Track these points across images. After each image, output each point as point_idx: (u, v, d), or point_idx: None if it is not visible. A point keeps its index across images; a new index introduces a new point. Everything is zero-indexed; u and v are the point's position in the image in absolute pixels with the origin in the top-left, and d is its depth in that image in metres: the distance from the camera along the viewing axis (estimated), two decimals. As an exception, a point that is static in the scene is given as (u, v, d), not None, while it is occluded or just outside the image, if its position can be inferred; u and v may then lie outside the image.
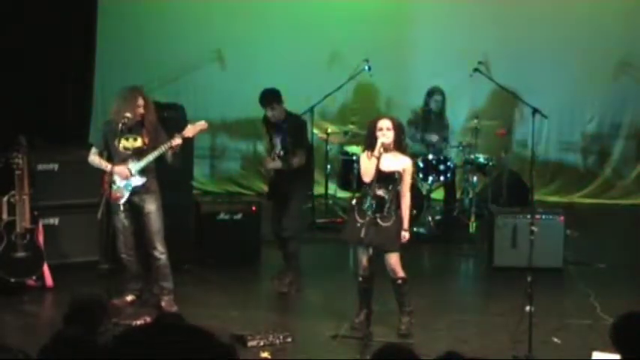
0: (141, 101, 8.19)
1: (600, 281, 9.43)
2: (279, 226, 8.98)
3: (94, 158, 8.35)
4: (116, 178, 8.19)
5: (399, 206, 7.77)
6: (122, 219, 8.32)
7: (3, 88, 10.51)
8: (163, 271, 8.33)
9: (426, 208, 10.92)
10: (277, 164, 8.88)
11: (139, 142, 8.23)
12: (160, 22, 12.61)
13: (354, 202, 8.00)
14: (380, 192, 7.67)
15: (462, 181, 11.77)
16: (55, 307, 8.35)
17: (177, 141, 8.14)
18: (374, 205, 7.61)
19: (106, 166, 8.25)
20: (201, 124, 8.34)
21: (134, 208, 8.29)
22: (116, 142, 8.19)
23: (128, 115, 8.11)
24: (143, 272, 8.54)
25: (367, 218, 7.57)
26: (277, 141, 8.94)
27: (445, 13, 12.65)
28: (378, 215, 7.66)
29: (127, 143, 8.24)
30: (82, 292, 5.75)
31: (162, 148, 8.15)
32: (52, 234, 9.23)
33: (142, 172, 8.22)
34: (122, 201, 8.24)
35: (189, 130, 8.26)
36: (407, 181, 7.81)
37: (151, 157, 8.18)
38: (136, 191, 8.24)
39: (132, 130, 8.22)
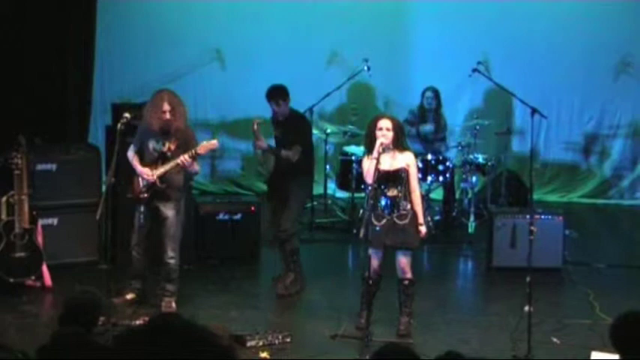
0: (166, 106, 8.16)
1: (599, 281, 9.43)
2: (277, 228, 8.96)
3: (130, 155, 8.40)
4: (142, 176, 8.29)
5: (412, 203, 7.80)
6: (140, 218, 8.41)
7: (3, 88, 10.51)
8: (170, 276, 8.36)
9: (425, 209, 10.89)
10: (264, 145, 8.92)
11: (165, 147, 8.24)
12: (159, 22, 12.60)
13: (366, 205, 7.92)
14: (392, 192, 7.70)
15: (461, 181, 11.76)
16: (54, 307, 8.35)
17: (185, 157, 8.13)
18: (389, 206, 7.64)
19: (136, 165, 8.32)
20: (213, 143, 8.35)
21: (153, 213, 8.35)
22: (148, 143, 8.27)
23: (127, 115, 8.14)
24: (146, 273, 8.56)
25: (384, 220, 7.59)
26: (278, 134, 8.99)
27: (444, 12, 12.64)
28: (395, 215, 7.69)
29: (156, 145, 8.28)
30: (77, 292, 5.75)
31: (175, 162, 8.16)
32: (50, 234, 9.22)
33: (162, 179, 8.24)
34: (143, 202, 8.34)
35: (202, 148, 8.25)
36: (414, 174, 7.80)
37: (167, 167, 8.20)
38: (157, 196, 8.28)
39: (163, 134, 8.23)
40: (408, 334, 7.83)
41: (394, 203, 7.71)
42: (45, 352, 4.53)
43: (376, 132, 7.72)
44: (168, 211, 8.30)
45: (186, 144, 8.21)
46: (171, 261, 8.32)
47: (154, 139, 8.28)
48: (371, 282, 7.74)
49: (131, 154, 8.40)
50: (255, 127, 8.93)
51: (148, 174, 8.24)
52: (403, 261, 7.80)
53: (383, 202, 7.71)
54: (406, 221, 7.73)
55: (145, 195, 8.30)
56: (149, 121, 8.22)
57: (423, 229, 7.79)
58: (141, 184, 8.33)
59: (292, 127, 8.91)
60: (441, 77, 12.05)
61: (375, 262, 7.74)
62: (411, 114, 11.65)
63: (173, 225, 8.30)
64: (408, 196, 7.76)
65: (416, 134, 11.45)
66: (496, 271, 9.75)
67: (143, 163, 8.32)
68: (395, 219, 7.71)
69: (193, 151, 8.18)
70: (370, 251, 7.73)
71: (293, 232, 8.92)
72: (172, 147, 8.23)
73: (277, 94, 8.92)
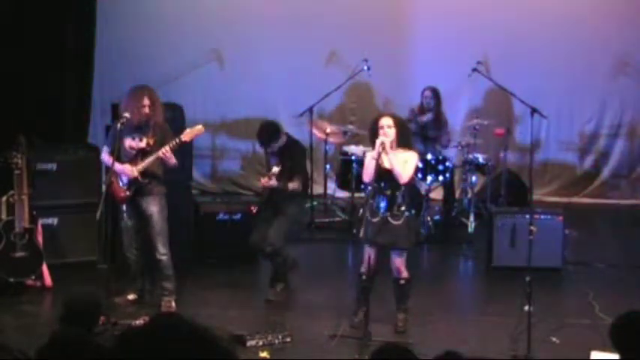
0: (146, 101, 8.16)
1: (599, 281, 9.43)
2: (264, 240, 8.66)
3: (105, 157, 8.36)
4: (121, 176, 8.22)
5: (410, 204, 7.83)
6: (126, 219, 8.38)
7: (2, 88, 10.51)
8: (165, 273, 8.34)
9: (425, 208, 10.92)
10: (273, 183, 8.54)
11: (143, 143, 8.22)
12: (158, 22, 12.61)
13: (364, 201, 7.95)
14: (389, 191, 7.69)
15: (461, 181, 11.77)
16: (53, 307, 8.35)
17: (166, 149, 8.09)
18: (385, 204, 7.64)
19: (114, 165, 8.23)
20: (198, 129, 8.30)
21: (137, 210, 8.31)
22: (124, 141, 8.22)
23: (127, 115, 8.12)
24: (146, 272, 8.55)
25: (378, 218, 7.59)
26: (273, 162, 8.68)
27: (444, 12, 12.65)
28: (388, 214, 7.69)
29: (132, 143, 8.24)
30: (77, 292, 5.74)
31: (157, 155, 8.13)
32: (50, 234, 9.23)
33: (144, 173, 8.21)
34: (125, 201, 8.26)
35: (187, 135, 8.22)
36: (409, 168, 7.75)
37: (149, 160, 8.17)
38: (139, 193, 8.24)
39: (139, 129, 8.21)
40: (406, 329, 7.89)
41: (390, 202, 7.71)
42: (44, 352, 4.52)
43: (378, 131, 7.72)
44: (152, 207, 8.25)
45: (163, 140, 8.16)
46: (164, 257, 8.29)
47: (130, 137, 8.23)
48: (365, 277, 7.79)
49: (106, 155, 8.32)
50: (275, 170, 8.63)
51: (129, 169, 8.19)
52: (398, 261, 7.83)
53: (379, 199, 7.70)
54: (399, 222, 7.74)
55: (128, 193, 8.25)
56: (121, 117, 8.15)
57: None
58: (121, 183, 8.27)
59: (290, 155, 8.67)
60: (441, 77, 12.05)
61: (369, 258, 7.77)
62: (412, 112, 11.67)
63: (159, 221, 8.26)
64: (406, 196, 7.77)
65: (417, 129, 11.45)
66: (496, 271, 9.76)
67: (122, 162, 8.23)
68: (389, 218, 7.72)
69: (177, 140, 8.15)
70: (365, 247, 7.80)
71: (279, 248, 8.67)
72: (151, 142, 8.20)
73: (270, 137, 8.63)
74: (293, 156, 8.73)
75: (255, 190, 12.58)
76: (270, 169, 8.62)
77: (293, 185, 8.61)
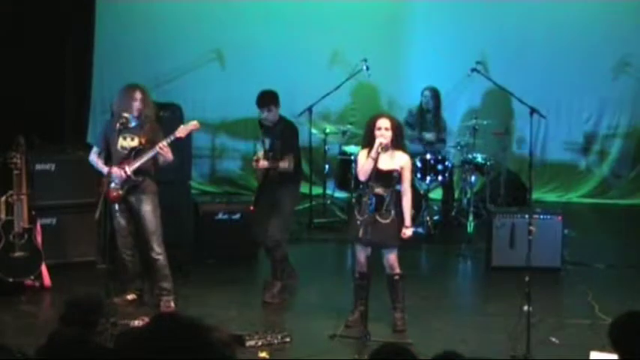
0: (138, 95, 8.16)
1: (598, 281, 9.44)
2: (265, 234, 8.75)
3: (93, 158, 8.35)
4: (113, 178, 8.19)
5: (397, 204, 7.82)
6: (119, 219, 8.33)
7: (2, 88, 10.51)
8: (162, 272, 8.33)
9: (424, 208, 10.92)
10: (265, 164, 8.62)
11: (135, 142, 8.20)
12: (159, 21, 12.61)
13: (354, 200, 8.01)
14: (379, 190, 7.72)
15: (460, 181, 11.77)
16: (52, 307, 8.36)
17: (163, 144, 8.08)
18: (373, 204, 7.65)
19: (102, 167, 8.24)
20: (193, 124, 8.30)
21: (130, 209, 8.29)
22: (115, 141, 8.19)
23: (126, 115, 8.11)
24: (144, 272, 8.54)
25: (366, 216, 7.61)
26: (267, 143, 8.74)
27: (443, 12, 12.66)
28: (377, 213, 7.71)
29: (124, 142, 8.22)
30: (79, 291, 5.74)
31: (154, 151, 8.12)
32: (50, 234, 9.22)
33: (137, 172, 8.19)
34: (119, 201, 8.24)
35: (181, 131, 8.21)
36: (407, 177, 7.86)
37: (144, 159, 8.16)
38: (132, 192, 8.22)
39: (130, 129, 8.19)
40: (405, 329, 7.92)
41: (379, 201, 7.74)
42: (44, 352, 4.52)
43: (375, 131, 7.74)
44: (146, 206, 8.23)
45: (155, 138, 8.15)
46: (160, 257, 8.28)
47: (122, 137, 8.20)
48: (358, 275, 7.83)
49: (94, 156, 8.31)
50: (259, 154, 8.69)
51: (120, 173, 8.13)
52: (390, 258, 7.87)
53: (369, 199, 7.71)
54: (387, 221, 7.79)
55: (120, 192, 8.20)
56: (119, 111, 8.16)
57: (407, 232, 7.84)
58: (113, 184, 8.21)
59: (283, 135, 8.70)
60: (440, 77, 12.06)
61: (361, 257, 7.82)
62: (410, 114, 11.66)
63: (153, 220, 8.23)
64: (394, 197, 7.81)
65: (418, 139, 11.45)
66: (495, 271, 9.76)
67: (109, 164, 8.20)
68: (377, 216, 7.74)
69: (172, 136, 8.14)
70: (356, 247, 7.86)
71: (281, 240, 8.74)
72: (143, 140, 8.18)
73: (269, 100, 8.70)
74: (285, 135, 8.73)
75: (254, 190, 12.59)
76: (264, 148, 8.69)
77: (283, 164, 8.60)
